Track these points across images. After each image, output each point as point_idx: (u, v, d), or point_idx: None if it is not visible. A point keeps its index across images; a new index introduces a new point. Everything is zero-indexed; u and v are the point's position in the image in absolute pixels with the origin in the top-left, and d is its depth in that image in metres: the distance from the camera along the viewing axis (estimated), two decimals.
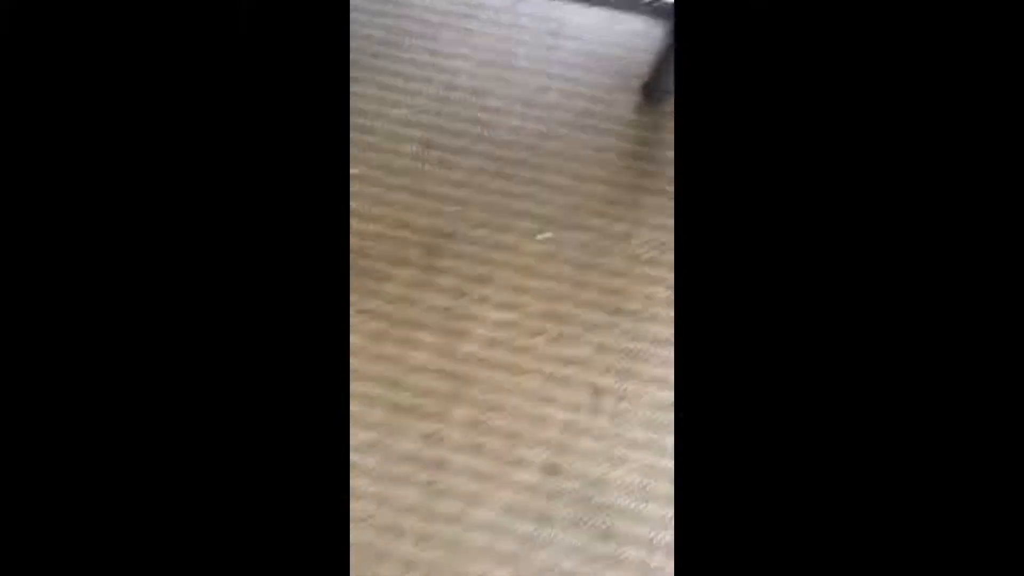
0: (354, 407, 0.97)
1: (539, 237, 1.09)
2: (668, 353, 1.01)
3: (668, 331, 1.03)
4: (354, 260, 1.07)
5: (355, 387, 0.98)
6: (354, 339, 1.02)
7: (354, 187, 1.13)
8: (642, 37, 1.30)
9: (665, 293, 1.05)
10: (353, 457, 0.94)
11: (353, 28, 1.25)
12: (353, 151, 1.16)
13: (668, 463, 0.94)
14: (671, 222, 1.09)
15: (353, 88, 1.20)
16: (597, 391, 0.99)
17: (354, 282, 1.06)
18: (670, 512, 0.91)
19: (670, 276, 1.06)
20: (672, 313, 1.02)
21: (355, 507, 0.91)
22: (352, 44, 1.24)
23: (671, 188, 1.12)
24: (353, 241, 1.08)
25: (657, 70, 1.21)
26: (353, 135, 1.17)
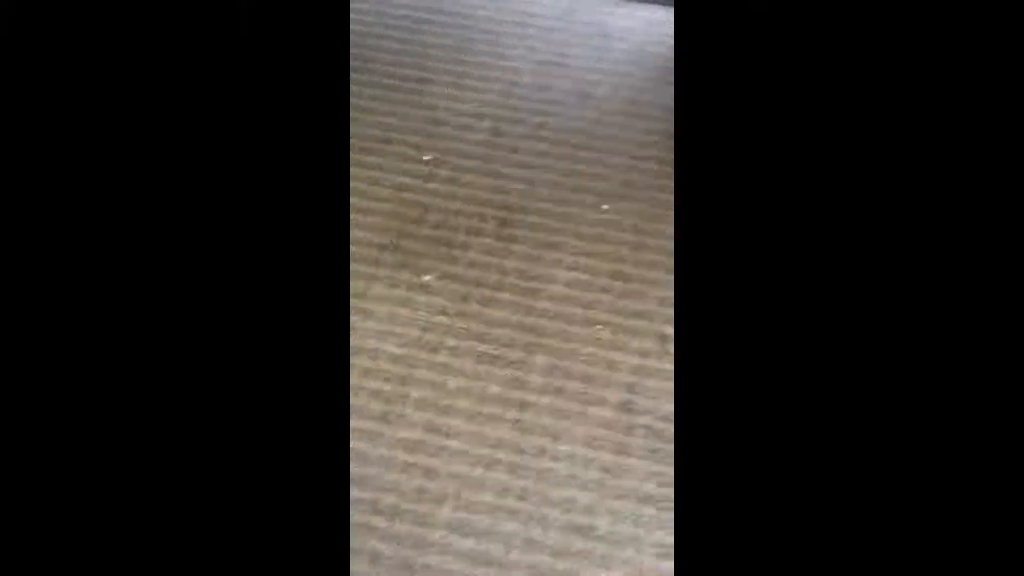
0: (444, 358, 1.02)
1: (604, 206, 1.14)
2: None
3: None
4: (434, 232, 1.13)
5: (444, 340, 1.03)
6: (439, 300, 1.07)
7: (429, 170, 1.20)
8: None
9: None
10: (446, 401, 0.99)
11: (425, 38, 1.33)
12: (426, 140, 1.23)
13: None
14: None
15: (427, 88, 1.28)
16: (663, 338, 1.03)
17: (437, 250, 1.11)
18: None
19: None
20: None
21: (450, 443, 0.95)
22: (425, 52, 1.32)
23: None
24: (433, 215, 1.15)
25: None
26: (427, 127, 1.24)
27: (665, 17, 1.40)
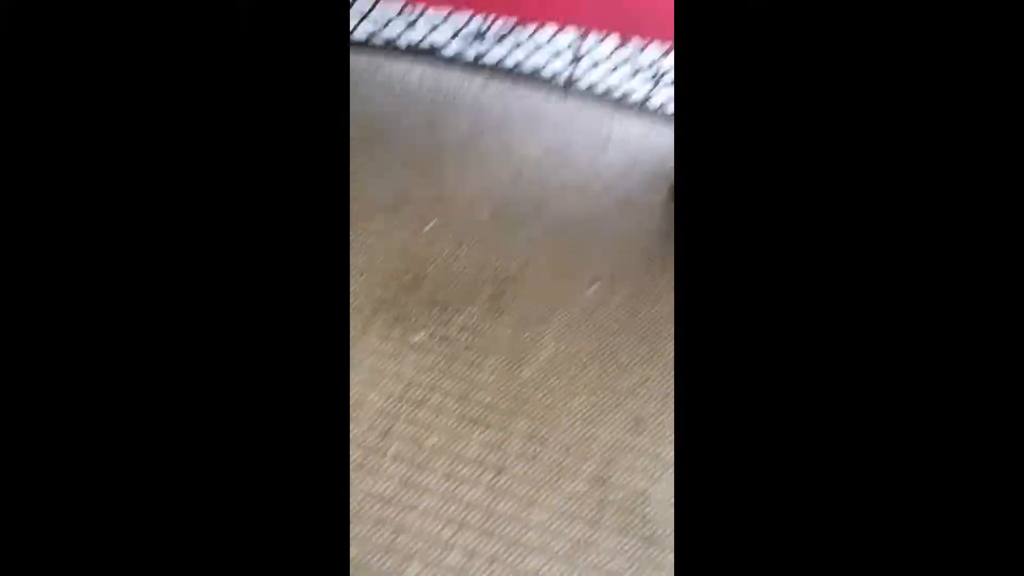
0: (426, 415, 1.00)
1: (593, 287, 1.17)
2: None
3: None
4: (431, 293, 1.14)
5: (428, 397, 1.01)
6: (428, 358, 1.06)
7: (432, 237, 1.22)
8: (671, 149, 1.46)
9: None
10: (423, 457, 0.96)
11: (440, 119, 1.40)
12: (433, 209, 1.26)
13: None
14: None
15: (438, 164, 1.33)
16: (639, 419, 1.03)
17: (431, 312, 1.12)
18: None
19: None
20: None
21: (423, 500, 0.91)
22: (439, 135, 1.39)
23: None
24: (431, 279, 1.16)
25: None
26: (435, 198, 1.28)
27: (657, 130, 1.50)
